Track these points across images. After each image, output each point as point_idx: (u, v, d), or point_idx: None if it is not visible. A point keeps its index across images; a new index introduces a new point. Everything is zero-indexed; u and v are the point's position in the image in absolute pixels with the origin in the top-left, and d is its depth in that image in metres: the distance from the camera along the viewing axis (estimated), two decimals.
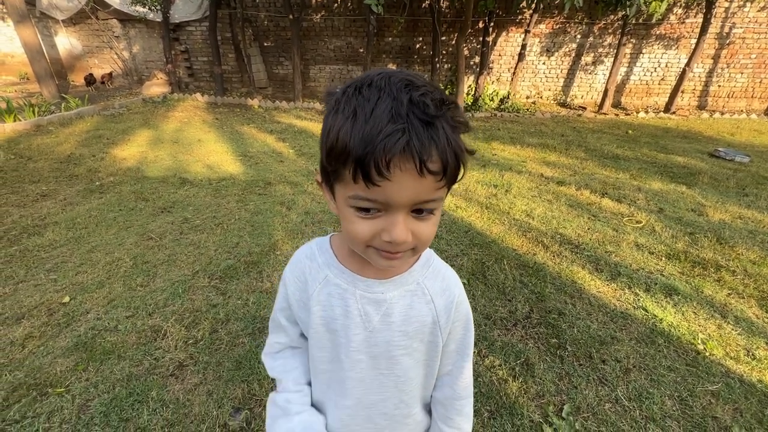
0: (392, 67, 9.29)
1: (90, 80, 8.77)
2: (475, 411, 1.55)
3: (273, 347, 0.75)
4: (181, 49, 9.42)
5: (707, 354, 1.87)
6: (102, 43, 9.69)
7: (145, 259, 2.55)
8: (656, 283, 2.39)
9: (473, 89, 8.80)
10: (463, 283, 2.19)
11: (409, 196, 0.46)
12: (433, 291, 0.63)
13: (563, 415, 1.54)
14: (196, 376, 1.68)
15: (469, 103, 8.59)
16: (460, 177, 0.49)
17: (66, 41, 9.83)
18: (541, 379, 1.72)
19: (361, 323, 0.62)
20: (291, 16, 7.91)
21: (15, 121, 5.67)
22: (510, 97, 8.71)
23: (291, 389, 0.71)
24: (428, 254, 0.67)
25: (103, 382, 1.63)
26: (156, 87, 8.88)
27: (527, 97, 9.42)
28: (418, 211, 0.49)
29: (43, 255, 2.57)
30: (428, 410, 0.75)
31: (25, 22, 7.00)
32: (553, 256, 2.69)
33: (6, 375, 1.65)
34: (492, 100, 8.74)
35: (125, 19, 9.10)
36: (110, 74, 9.37)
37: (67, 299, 2.13)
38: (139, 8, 8.20)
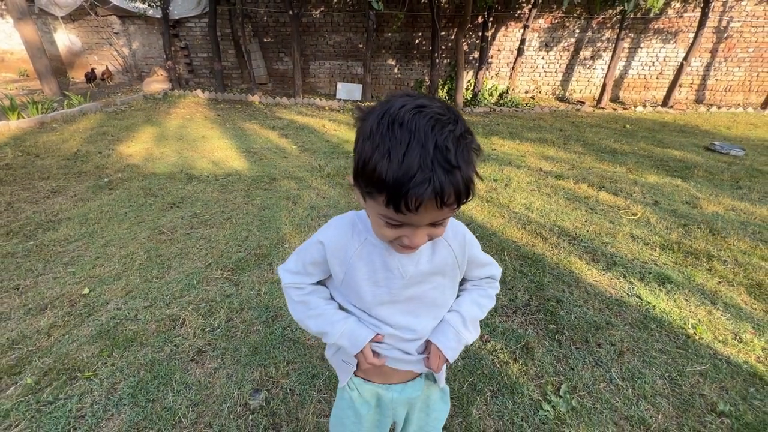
0: (391, 62, 9.36)
1: (90, 77, 8.80)
2: (478, 390, 1.66)
3: (290, 285, 0.84)
4: (180, 46, 9.45)
5: (697, 338, 1.97)
6: (101, 40, 9.69)
7: (158, 252, 2.64)
8: (650, 272, 2.50)
9: (472, 84, 8.87)
10: None
11: (429, 220, 0.60)
12: (449, 237, 0.79)
13: (561, 393, 1.65)
14: (215, 361, 1.78)
15: (469, 98, 8.66)
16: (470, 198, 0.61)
17: (65, 38, 9.83)
18: (540, 361, 1.82)
19: (399, 274, 0.75)
20: (290, 12, 7.94)
21: (19, 118, 5.72)
22: (509, 92, 8.78)
23: (321, 304, 0.82)
24: None
25: (128, 366, 1.73)
26: (156, 84, 8.91)
27: (526, 92, 9.48)
28: (434, 223, 0.63)
29: (59, 249, 2.65)
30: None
31: (25, 19, 7.02)
32: (552, 247, 2.79)
33: (35, 361, 1.75)
34: (491, 95, 8.81)
35: (124, 15, 9.11)
36: (108, 70, 9.40)
37: (86, 291, 2.23)
38: (139, 4, 8.21)
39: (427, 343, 0.83)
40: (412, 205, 0.54)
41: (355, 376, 0.90)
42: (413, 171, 0.52)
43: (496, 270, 0.91)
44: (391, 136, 0.53)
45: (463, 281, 0.89)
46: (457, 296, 0.88)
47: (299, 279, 0.83)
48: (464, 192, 0.56)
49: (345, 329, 0.78)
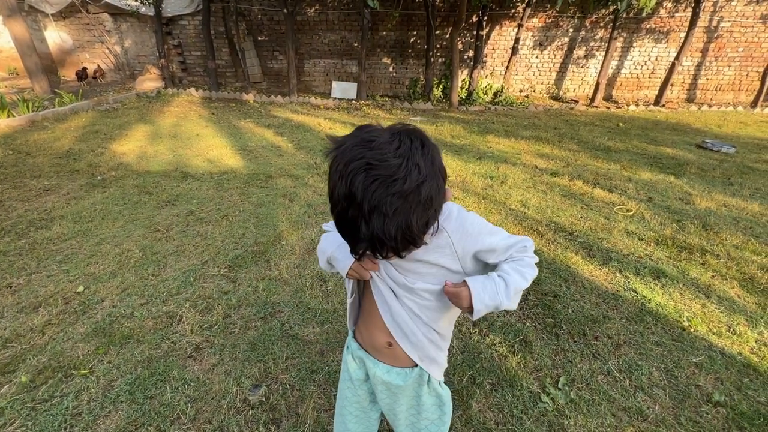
0: (386, 61, 9.35)
1: (82, 75, 8.69)
2: (477, 384, 1.66)
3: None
4: (173, 44, 9.36)
5: (692, 330, 2.00)
6: (93, 38, 9.57)
7: (154, 250, 2.61)
8: (645, 267, 2.52)
9: (467, 83, 8.89)
10: None
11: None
12: (450, 228, 0.76)
13: (559, 386, 1.66)
14: (213, 357, 1.77)
15: (464, 97, 8.68)
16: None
17: (56, 35, 9.70)
18: (538, 354, 1.83)
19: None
20: (285, 10, 7.91)
21: (9, 116, 5.64)
22: (504, 90, 8.82)
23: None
24: (447, 205, 0.77)
25: (125, 363, 1.71)
26: (149, 82, 8.83)
27: (520, 91, 9.53)
28: None
29: (52, 247, 2.62)
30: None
31: (15, 16, 6.91)
32: (548, 243, 2.81)
33: (30, 359, 1.72)
34: (486, 93, 8.84)
35: (116, 12, 9.00)
36: (99, 68, 9.28)
37: (81, 288, 2.20)
38: (131, 2, 8.13)
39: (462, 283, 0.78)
40: (357, 257, 0.66)
41: (354, 340, 0.94)
42: (352, 237, 0.62)
43: (523, 242, 0.81)
44: (337, 190, 0.59)
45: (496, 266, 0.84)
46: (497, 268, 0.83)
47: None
48: (402, 246, 0.62)
49: (343, 245, 0.78)
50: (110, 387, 1.60)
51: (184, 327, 1.93)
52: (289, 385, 1.63)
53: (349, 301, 0.91)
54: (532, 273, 0.80)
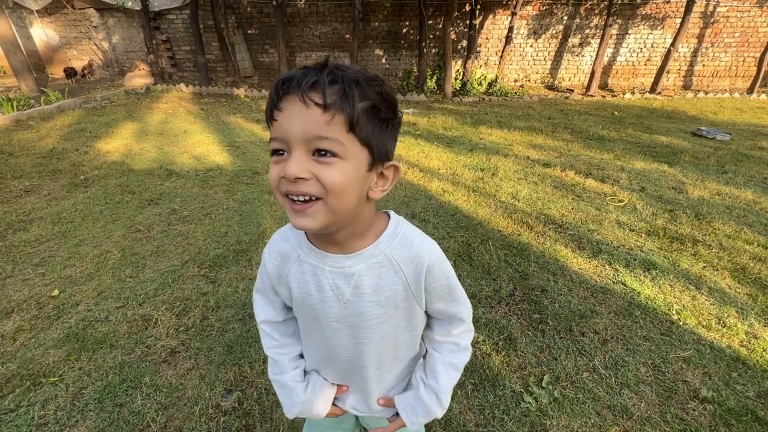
0: (379, 53, 9.21)
1: (70, 73, 8.55)
2: (459, 384, 1.62)
3: (264, 331, 0.80)
4: (162, 39, 9.20)
5: (681, 323, 1.95)
6: (80, 34, 9.41)
7: (133, 251, 2.55)
8: (635, 259, 2.47)
9: (461, 74, 8.77)
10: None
11: (299, 127, 0.51)
12: (401, 260, 0.64)
13: (543, 384, 1.61)
14: (188, 362, 1.71)
15: (458, 88, 8.57)
16: (359, 123, 0.52)
17: (42, 32, 9.52)
18: (522, 352, 1.79)
19: (334, 297, 0.65)
20: (274, 2, 7.75)
21: None
22: (498, 80, 8.70)
23: (288, 368, 0.79)
24: (395, 222, 0.67)
25: (96, 370, 1.66)
26: (138, 78, 8.68)
27: (515, 81, 9.41)
28: (319, 152, 0.52)
29: (29, 250, 2.56)
30: (412, 365, 0.81)
31: None
32: (537, 236, 2.76)
33: None
34: (480, 84, 8.72)
35: (103, 8, 8.84)
36: (90, 65, 9.14)
37: (56, 292, 2.14)
38: None
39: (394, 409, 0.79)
40: (277, 97, 0.52)
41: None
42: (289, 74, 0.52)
43: (466, 313, 0.74)
44: (302, 71, 0.53)
45: (428, 318, 0.77)
46: (427, 354, 0.79)
47: (266, 313, 0.78)
48: (336, 94, 0.50)
49: (302, 409, 0.77)
50: (79, 395, 1.55)
51: (159, 330, 1.88)
52: (265, 389, 1.58)
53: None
54: (465, 359, 0.76)
